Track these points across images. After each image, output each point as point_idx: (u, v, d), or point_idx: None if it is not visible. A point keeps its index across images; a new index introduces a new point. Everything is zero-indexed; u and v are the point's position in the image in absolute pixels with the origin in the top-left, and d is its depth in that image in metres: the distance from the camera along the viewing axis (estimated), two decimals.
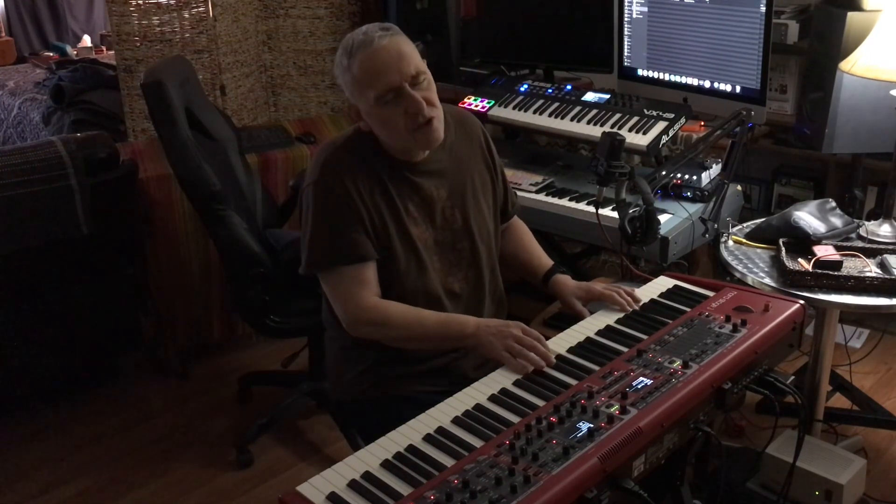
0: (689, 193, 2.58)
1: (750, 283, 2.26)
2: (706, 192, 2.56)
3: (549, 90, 3.01)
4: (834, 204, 2.52)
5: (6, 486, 2.71)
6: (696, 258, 3.06)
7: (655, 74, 3.01)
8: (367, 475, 1.35)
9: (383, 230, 1.81)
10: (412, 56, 1.77)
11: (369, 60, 1.73)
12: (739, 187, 2.82)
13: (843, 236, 2.43)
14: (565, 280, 2.01)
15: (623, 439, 1.36)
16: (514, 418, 1.48)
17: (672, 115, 2.67)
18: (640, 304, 1.88)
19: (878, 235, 2.45)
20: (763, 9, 2.61)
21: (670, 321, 1.78)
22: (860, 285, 2.19)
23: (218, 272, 3.21)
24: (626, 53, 3.09)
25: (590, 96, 2.91)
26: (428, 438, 1.44)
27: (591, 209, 2.25)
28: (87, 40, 6.56)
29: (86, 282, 3.01)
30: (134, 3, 3.24)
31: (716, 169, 2.60)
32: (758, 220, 2.59)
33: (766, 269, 2.32)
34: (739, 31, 2.69)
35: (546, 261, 2.10)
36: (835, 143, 2.92)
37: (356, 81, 1.76)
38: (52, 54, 5.97)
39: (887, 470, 2.65)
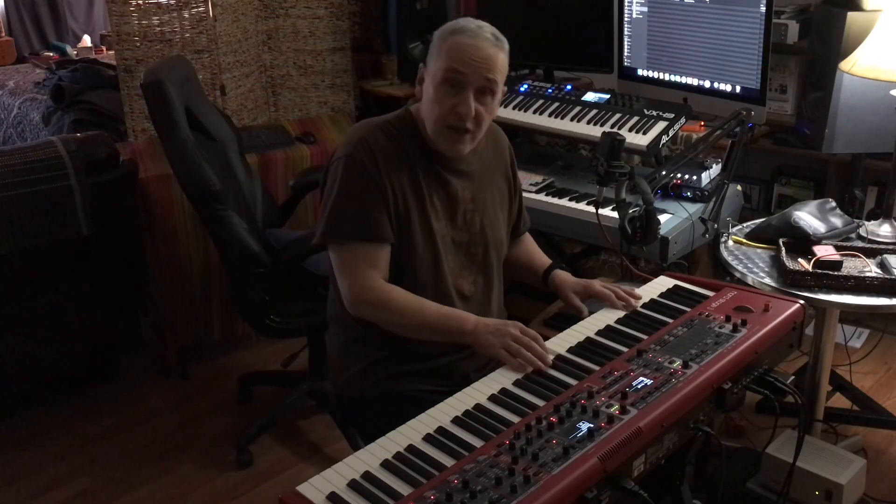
0: (689, 193, 2.58)
1: (750, 283, 2.26)
2: (706, 192, 2.56)
3: (549, 90, 3.01)
4: (834, 204, 2.52)
5: (6, 486, 2.71)
6: (696, 258, 3.06)
7: (655, 74, 3.01)
8: (367, 475, 1.35)
9: (406, 216, 1.82)
10: (497, 67, 1.79)
11: (464, 46, 1.75)
12: (739, 187, 2.82)
13: (843, 236, 2.43)
14: (564, 276, 2.02)
15: (623, 439, 1.36)
16: (514, 418, 1.48)
17: (672, 115, 2.68)
18: (640, 303, 1.88)
19: (878, 235, 2.45)
20: (763, 9, 2.61)
21: (670, 321, 1.78)
22: (860, 285, 2.19)
23: (218, 272, 3.21)
24: (626, 53, 3.09)
25: (590, 96, 2.91)
26: (428, 438, 1.44)
27: (591, 209, 2.25)
28: (87, 40, 6.56)
29: (86, 282, 3.01)
30: (134, 3, 3.24)
31: (716, 169, 2.60)
32: (758, 220, 2.59)
33: (766, 269, 2.32)
34: (739, 31, 2.69)
35: (545, 259, 2.11)
36: (835, 143, 2.92)
37: (440, 51, 1.78)
38: (52, 54, 5.96)
39: (887, 470, 2.65)
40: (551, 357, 1.67)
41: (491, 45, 1.78)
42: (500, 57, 1.80)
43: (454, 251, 1.90)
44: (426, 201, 1.84)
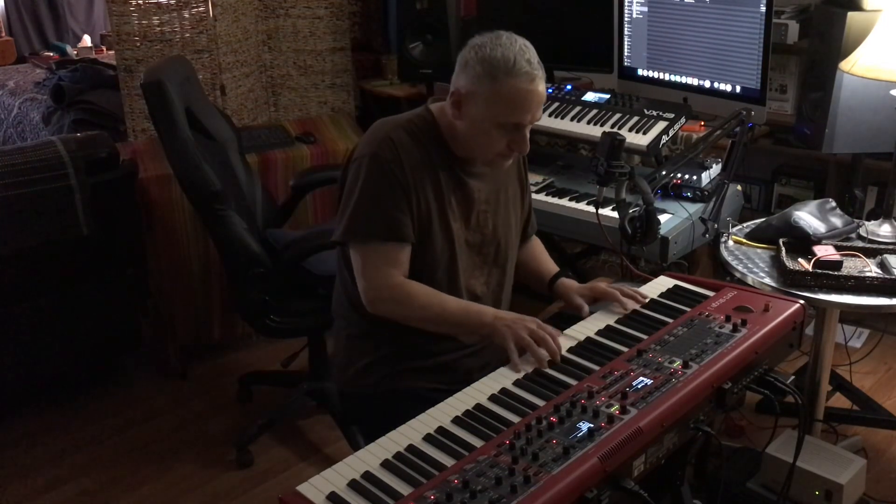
0: (689, 193, 2.58)
1: (750, 283, 2.26)
2: (706, 192, 2.56)
3: (549, 90, 3.01)
4: (834, 204, 2.52)
5: (6, 485, 2.71)
6: (696, 258, 3.06)
7: (655, 74, 3.01)
8: (367, 475, 1.35)
9: (427, 217, 1.82)
10: (544, 99, 1.81)
11: (523, 94, 1.75)
12: (739, 187, 2.82)
13: (843, 236, 2.43)
14: (570, 282, 2.03)
15: (623, 439, 1.36)
16: (515, 418, 1.48)
17: (672, 115, 2.67)
18: (647, 300, 1.89)
19: (878, 235, 2.45)
20: (763, 9, 2.61)
21: (670, 321, 1.78)
22: (860, 285, 2.19)
23: (218, 272, 3.21)
24: (626, 53, 3.09)
25: (590, 96, 2.91)
26: (428, 438, 1.44)
27: (591, 209, 2.25)
28: (87, 40, 6.56)
29: (86, 282, 3.01)
30: (134, 3, 3.25)
31: (716, 169, 2.60)
32: (758, 220, 2.59)
33: (766, 269, 2.32)
34: (739, 31, 2.69)
35: (553, 267, 2.12)
36: (835, 143, 2.92)
37: (495, 95, 1.75)
38: (52, 54, 5.97)
39: (887, 470, 2.65)
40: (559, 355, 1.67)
41: (542, 82, 1.77)
42: (544, 88, 1.80)
43: (468, 252, 1.91)
44: (445, 202, 1.85)
